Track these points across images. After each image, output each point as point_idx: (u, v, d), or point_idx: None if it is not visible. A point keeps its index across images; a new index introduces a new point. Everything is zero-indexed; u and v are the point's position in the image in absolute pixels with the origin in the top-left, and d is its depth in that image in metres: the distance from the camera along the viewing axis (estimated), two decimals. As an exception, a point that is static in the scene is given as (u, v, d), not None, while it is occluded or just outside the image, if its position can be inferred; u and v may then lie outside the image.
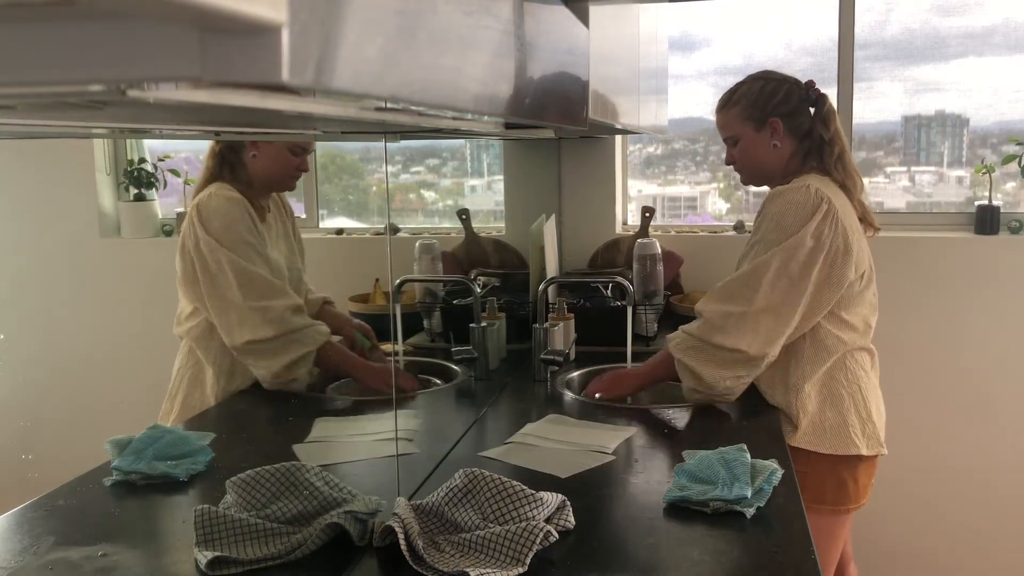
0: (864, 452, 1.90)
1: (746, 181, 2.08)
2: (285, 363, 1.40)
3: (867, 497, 1.98)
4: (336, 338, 1.56)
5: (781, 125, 1.95)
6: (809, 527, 1.31)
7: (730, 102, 2.00)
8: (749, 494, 1.35)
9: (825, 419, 1.89)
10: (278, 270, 1.49)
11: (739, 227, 2.93)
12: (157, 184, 1.59)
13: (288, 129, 1.27)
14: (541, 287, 2.24)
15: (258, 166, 1.49)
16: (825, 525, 1.90)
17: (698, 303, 1.91)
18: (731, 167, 2.08)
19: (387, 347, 1.76)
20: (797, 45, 2.92)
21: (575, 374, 2.24)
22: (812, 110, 1.97)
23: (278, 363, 1.40)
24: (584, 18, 1.24)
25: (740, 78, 2.05)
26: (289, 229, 1.63)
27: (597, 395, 2.03)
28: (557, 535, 1.22)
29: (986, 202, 2.73)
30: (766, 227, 1.85)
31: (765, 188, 2.17)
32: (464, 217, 2.55)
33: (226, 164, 1.47)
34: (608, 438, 1.73)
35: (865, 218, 1.97)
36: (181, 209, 1.56)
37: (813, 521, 1.37)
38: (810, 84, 1.99)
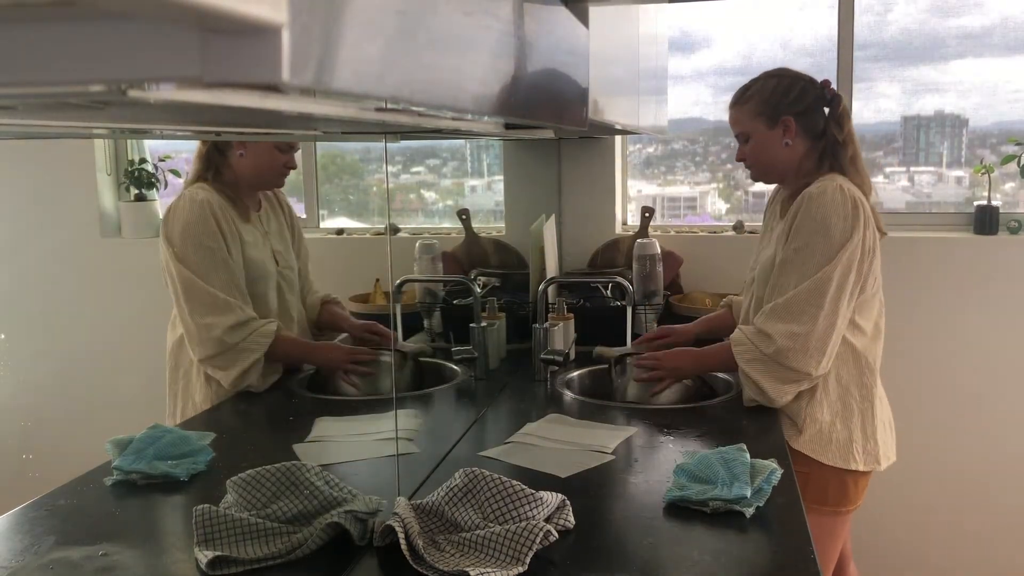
0: (861, 468, 1.91)
1: (756, 178, 2.06)
2: (237, 373, 1.41)
3: (863, 498, 1.98)
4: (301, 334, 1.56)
5: (794, 123, 1.92)
6: (809, 527, 1.31)
7: (743, 98, 1.97)
8: (748, 494, 1.35)
9: (834, 430, 1.89)
10: (258, 269, 1.49)
11: (738, 227, 2.93)
12: (158, 184, 1.59)
13: (288, 129, 1.27)
14: (541, 287, 2.24)
15: (245, 164, 1.49)
16: (826, 525, 1.90)
17: (759, 320, 1.87)
18: (731, 167, 2.08)
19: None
20: (796, 45, 2.92)
21: (575, 374, 2.24)
22: (827, 110, 1.95)
23: (232, 374, 1.41)
24: (584, 18, 1.24)
25: (739, 78, 2.03)
26: (286, 226, 1.63)
27: (654, 381, 2.03)
28: (557, 535, 1.23)
29: (985, 202, 2.73)
30: (810, 230, 1.82)
31: (766, 188, 2.17)
32: (464, 217, 2.55)
33: (212, 165, 1.47)
34: (608, 438, 1.73)
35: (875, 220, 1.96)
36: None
37: (813, 521, 1.37)
38: (825, 83, 1.96)
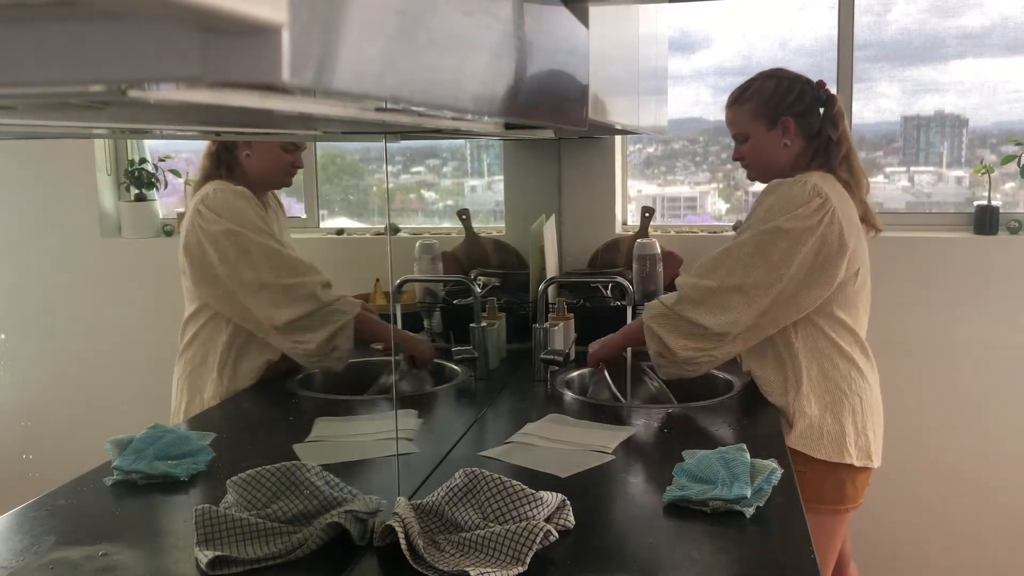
0: (855, 463, 1.90)
1: (753, 178, 2.07)
2: (327, 335, 1.41)
3: (864, 497, 1.98)
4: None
5: (793, 124, 1.94)
6: (808, 526, 1.31)
7: (741, 98, 1.99)
8: (748, 494, 1.35)
9: (825, 423, 1.89)
10: None
11: (738, 227, 2.93)
12: (158, 184, 1.59)
13: (288, 129, 1.27)
14: (541, 287, 2.24)
15: (253, 165, 1.49)
16: (824, 524, 1.90)
17: (678, 277, 1.96)
18: (730, 167, 2.08)
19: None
20: (796, 46, 2.92)
21: (575, 374, 2.24)
22: (822, 110, 1.96)
23: (320, 336, 1.41)
24: (584, 18, 1.24)
25: (739, 78, 2.04)
26: (286, 228, 1.63)
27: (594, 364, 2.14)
28: (557, 535, 1.23)
29: (985, 202, 2.73)
30: (756, 216, 1.87)
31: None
32: (464, 217, 2.55)
33: (223, 163, 1.47)
34: (608, 438, 1.73)
35: (866, 218, 1.97)
36: (182, 209, 1.56)
37: (812, 521, 1.37)
38: (821, 84, 1.98)
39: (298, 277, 1.40)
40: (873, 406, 1.98)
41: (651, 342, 1.93)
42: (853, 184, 1.93)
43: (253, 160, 1.49)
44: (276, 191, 1.63)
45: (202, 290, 1.41)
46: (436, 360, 2.13)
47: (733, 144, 2.06)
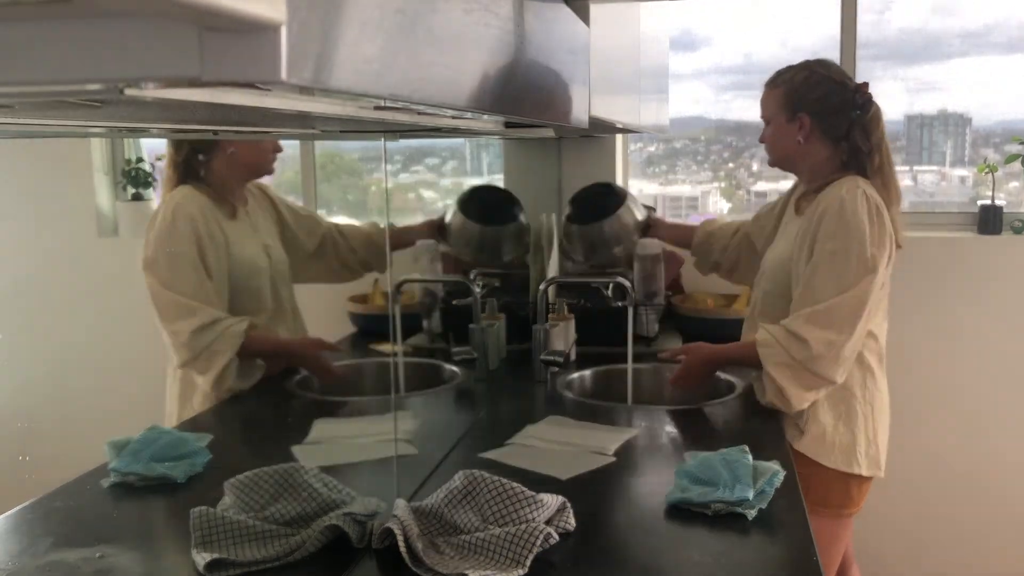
0: (864, 473, 1.90)
1: (771, 163, 2.04)
2: (214, 376, 1.40)
3: (864, 501, 1.97)
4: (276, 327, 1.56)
5: (809, 122, 1.89)
6: (811, 529, 1.30)
7: (776, 82, 1.95)
8: (751, 496, 1.34)
9: (837, 433, 1.88)
10: (247, 266, 1.48)
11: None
12: (155, 183, 1.58)
13: (287, 128, 1.27)
14: (541, 287, 2.24)
15: (239, 159, 1.47)
16: (828, 528, 1.89)
17: (795, 323, 1.79)
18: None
19: (386, 347, 1.76)
20: (797, 44, 2.91)
21: (575, 375, 2.24)
22: (857, 114, 1.89)
23: (208, 378, 1.40)
24: (585, 17, 1.24)
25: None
26: (273, 220, 1.61)
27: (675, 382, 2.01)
28: (557, 537, 1.22)
29: (989, 202, 2.73)
30: (844, 235, 1.79)
31: (767, 188, 2.17)
32: (464, 217, 2.54)
33: (190, 171, 1.45)
34: (609, 439, 1.72)
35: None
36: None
37: (816, 524, 1.36)
38: (860, 88, 1.91)
39: (176, 323, 1.39)
40: (884, 411, 1.97)
41: (769, 390, 1.82)
42: (884, 196, 1.87)
43: (239, 154, 1.47)
44: (264, 187, 1.61)
45: None
46: (436, 361, 2.12)
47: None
